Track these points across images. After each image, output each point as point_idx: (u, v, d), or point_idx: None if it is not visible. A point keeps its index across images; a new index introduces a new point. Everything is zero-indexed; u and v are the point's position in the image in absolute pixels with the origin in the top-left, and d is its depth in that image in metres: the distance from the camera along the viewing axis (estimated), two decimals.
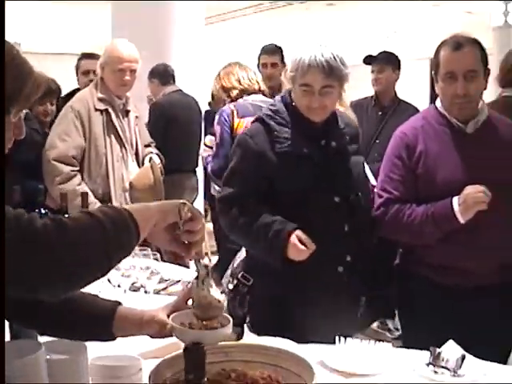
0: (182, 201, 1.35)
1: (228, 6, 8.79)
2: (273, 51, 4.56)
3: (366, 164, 2.60)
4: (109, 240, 1.20)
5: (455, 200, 2.26)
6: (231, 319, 1.40)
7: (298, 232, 2.24)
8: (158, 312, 1.48)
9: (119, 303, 1.51)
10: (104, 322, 1.48)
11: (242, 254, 2.58)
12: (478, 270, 2.31)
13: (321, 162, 2.35)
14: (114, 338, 1.49)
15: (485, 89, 2.41)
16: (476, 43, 2.36)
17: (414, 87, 6.24)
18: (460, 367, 1.82)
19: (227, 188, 2.41)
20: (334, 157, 2.38)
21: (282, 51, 4.56)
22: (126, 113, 3.56)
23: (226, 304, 2.02)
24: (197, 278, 1.38)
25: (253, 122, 2.50)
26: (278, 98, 2.49)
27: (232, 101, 3.69)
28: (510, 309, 2.37)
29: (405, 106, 4.59)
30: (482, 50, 2.37)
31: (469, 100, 2.35)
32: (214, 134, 3.79)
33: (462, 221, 2.25)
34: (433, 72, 2.44)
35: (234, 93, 3.70)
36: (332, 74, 2.27)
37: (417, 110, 4.45)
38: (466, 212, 2.24)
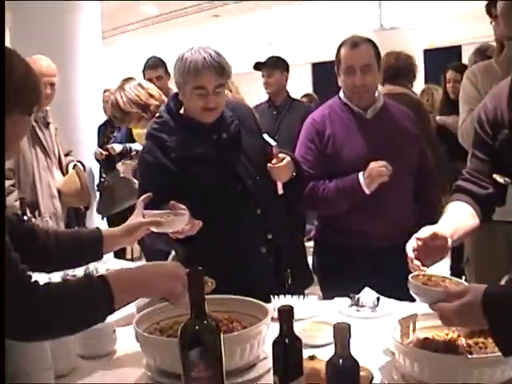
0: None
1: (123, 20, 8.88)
2: (156, 65, 4.66)
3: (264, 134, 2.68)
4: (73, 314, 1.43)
5: (361, 174, 2.68)
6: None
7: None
8: (137, 218, 1.93)
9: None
10: (94, 241, 1.84)
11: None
12: (384, 233, 2.74)
13: (216, 157, 2.41)
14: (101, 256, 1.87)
15: (379, 80, 2.87)
16: (370, 42, 2.81)
17: (297, 90, 6.67)
18: (377, 306, 2.22)
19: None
20: (228, 148, 2.44)
21: (164, 63, 4.66)
22: (47, 124, 3.77)
23: None
24: None
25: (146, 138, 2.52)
26: (162, 108, 2.55)
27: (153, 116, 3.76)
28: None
29: (297, 103, 5.01)
30: (376, 47, 2.82)
31: (366, 89, 2.79)
32: None
33: (367, 191, 2.67)
34: (335, 68, 2.85)
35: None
36: (223, 73, 2.35)
37: (309, 107, 4.96)
38: (371, 184, 2.66)
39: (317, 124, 2.86)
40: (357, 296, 2.26)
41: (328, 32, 11.34)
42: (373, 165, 2.66)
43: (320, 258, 2.98)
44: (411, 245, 1.77)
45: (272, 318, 1.75)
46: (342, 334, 1.31)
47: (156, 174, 2.39)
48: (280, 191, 2.53)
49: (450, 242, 1.76)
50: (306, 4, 9.33)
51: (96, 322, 1.50)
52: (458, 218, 1.89)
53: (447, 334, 1.66)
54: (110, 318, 1.92)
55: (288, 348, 1.41)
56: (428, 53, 10.04)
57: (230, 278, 1.98)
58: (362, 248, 2.75)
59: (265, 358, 1.76)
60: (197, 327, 1.31)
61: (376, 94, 2.88)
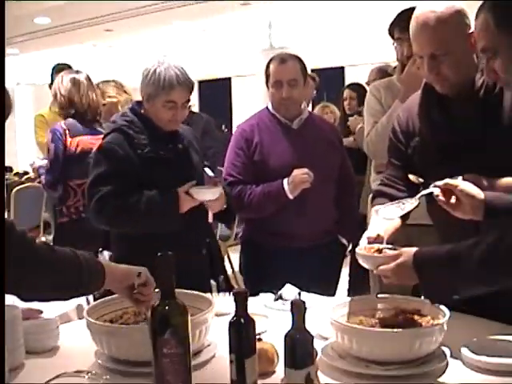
0: (138, 269, 1.78)
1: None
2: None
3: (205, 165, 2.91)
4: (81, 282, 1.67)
5: (285, 180, 2.90)
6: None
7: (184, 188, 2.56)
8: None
9: None
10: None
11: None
12: (305, 234, 2.97)
13: (174, 161, 2.65)
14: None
15: (305, 94, 3.11)
16: (297, 58, 3.05)
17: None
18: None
19: (101, 188, 2.54)
20: (181, 157, 2.71)
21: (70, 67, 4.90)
22: None
23: None
24: None
25: (109, 133, 2.68)
26: (127, 110, 2.73)
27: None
28: (329, 262, 3.06)
29: (197, 115, 5.19)
30: (302, 63, 3.05)
31: (292, 102, 3.02)
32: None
33: (290, 197, 2.90)
34: (265, 81, 3.07)
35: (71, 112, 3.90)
36: (192, 89, 2.63)
37: (208, 116, 5.15)
38: (294, 190, 2.90)
39: (245, 133, 3.07)
40: (279, 291, 2.43)
41: (217, 50, 11.61)
42: (296, 172, 2.88)
43: (245, 257, 3.16)
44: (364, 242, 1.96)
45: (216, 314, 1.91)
46: (299, 309, 1.47)
47: (126, 166, 2.56)
48: (210, 220, 2.78)
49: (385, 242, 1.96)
50: (198, 23, 9.50)
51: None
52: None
53: (374, 316, 1.88)
54: (52, 314, 2.04)
55: (243, 327, 1.55)
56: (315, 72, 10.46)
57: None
58: (285, 247, 2.95)
59: (209, 345, 1.88)
60: (167, 307, 1.43)
61: (302, 107, 3.13)
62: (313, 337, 1.47)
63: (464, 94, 1.97)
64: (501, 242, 1.63)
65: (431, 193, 1.82)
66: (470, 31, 1.92)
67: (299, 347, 1.45)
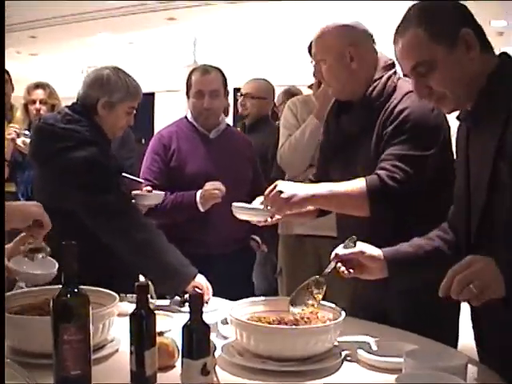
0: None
1: None
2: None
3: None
4: None
5: (198, 193, 2.96)
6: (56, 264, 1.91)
7: None
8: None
9: None
10: None
11: None
12: (214, 242, 3.03)
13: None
14: None
15: (224, 105, 3.23)
16: (219, 70, 3.13)
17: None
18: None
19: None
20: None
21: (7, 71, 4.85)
22: None
23: None
24: None
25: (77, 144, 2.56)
26: (76, 116, 2.59)
27: None
28: (239, 268, 3.14)
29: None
30: (223, 75, 3.14)
31: (213, 112, 3.10)
32: None
33: (201, 209, 2.97)
34: (186, 91, 3.14)
35: None
36: None
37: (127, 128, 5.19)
38: (205, 203, 2.96)
39: (163, 139, 3.12)
40: (186, 295, 2.47)
41: (141, 65, 11.59)
42: (207, 186, 2.96)
43: None
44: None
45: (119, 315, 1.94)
46: (196, 300, 1.52)
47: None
48: None
49: None
50: (124, 35, 9.50)
51: None
52: None
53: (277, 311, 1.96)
54: None
55: (144, 319, 1.59)
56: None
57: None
58: (195, 254, 2.98)
59: (112, 341, 1.91)
60: (69, 295, 1.45)
61: (220, 118, 3.21)
62: (209, 328, 1.52)
63: (355, 100, 2.28)
64: None
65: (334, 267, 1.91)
66: (350, 47, 2.21)
67: (196, 337, 1.50)
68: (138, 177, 3.14)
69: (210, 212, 2.99)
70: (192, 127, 3.17)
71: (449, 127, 2.16)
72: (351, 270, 1.89)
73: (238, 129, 4.30)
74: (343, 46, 2.22)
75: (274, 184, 2.13)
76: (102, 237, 2.43)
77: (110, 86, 2.60)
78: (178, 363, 1.71)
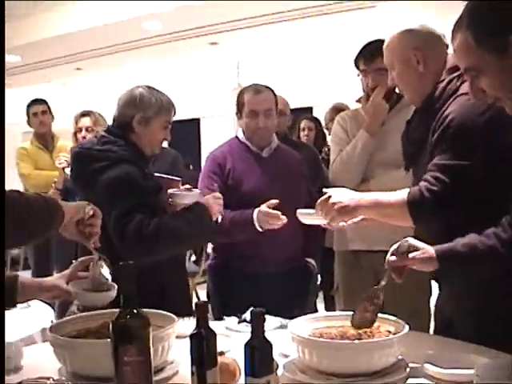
0: (85, 202, 1.91)
1: None
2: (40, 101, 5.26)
3: None
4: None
5: (255, 212, 2.95)
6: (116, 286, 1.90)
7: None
8: (57, 280, 1.91)
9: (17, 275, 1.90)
10: (8, 290, 1.81)
11: None
12: (273, 260, 3.01)
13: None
14: (15, 305, 1.85)
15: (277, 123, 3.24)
16: (270, 89, 3.14)
17: None
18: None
19: (132, 218, 2.51)
20: None
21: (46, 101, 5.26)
22: None
23: None
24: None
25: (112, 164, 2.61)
26: (111, 138, 2.66)
27: None
28: (297, 287, 3.11)
29: (166, 150, 5.25)
30: (275, 95, 3.15)
31: (267, 131, 3.12)
32: None
33: (259, 229, 2.96)
34: (236, 111, 3.16)
35: None
36: None
37: (176, 152, 5.25)
38: (264, 225, 2.94)
39: (218, 158, 3.14)
40: (243, 315, 2.44)
41: (185, 90, 11.70)
42: (263, 209, 2.93)
43: (213, 284, 3.18)
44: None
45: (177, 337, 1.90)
46: (258, 318, 1.49)
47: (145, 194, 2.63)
48: None
49: None
50: (167, 62, 9.60)
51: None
52: None
53: (338, 328, 1.90)
54: (16, 337, 2.04)
55: (204, 339, 1.57)
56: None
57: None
58: (253, 273, 2.98)
59: (172, 363, 1.89)
60: (128, 316, 1.44)
61: (272, 136, 3.20)
62: (271, 345, 1.49)
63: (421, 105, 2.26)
64: None
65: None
66: (415, 50, 2.19)
67: (258, 355, 1.47)
68: None
69: (268, 230, 2.96)
70: (245, 147, 3.17)
71: None
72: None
73: None
74: (408, 50, 2.21)
75: (328, 194, 2.16)
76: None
77: (143, 102, 2.66)
78: (240, 382, 1.69)
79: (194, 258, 6.77)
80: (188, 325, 2.14)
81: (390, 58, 2.28)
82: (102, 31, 7.35)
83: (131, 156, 2.60)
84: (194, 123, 14.13)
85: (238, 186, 3.07)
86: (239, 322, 2.42)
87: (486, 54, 1.61)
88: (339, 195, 2.16)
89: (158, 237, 2.49)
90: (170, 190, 2.77)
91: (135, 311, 1.45)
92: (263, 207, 2.93)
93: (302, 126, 5.53)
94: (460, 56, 1.70)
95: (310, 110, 12.01)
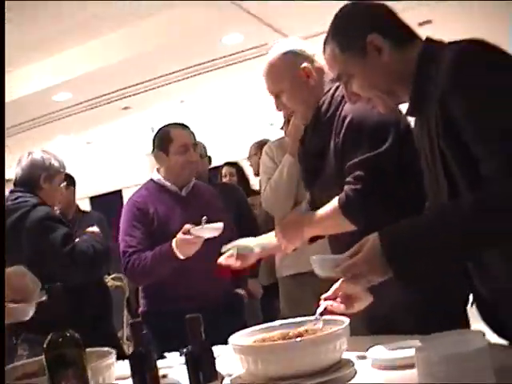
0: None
1: None
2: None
3: None
4: None
5: (174, 241, 2.88)
6: None
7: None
8: None
9: None
10: None
11: None
12: (203, 295, 2.94)
13: None
14: None
15: None
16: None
17: None
18: None
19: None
20: None
21: None
22: None
23: None
24: None
25: None
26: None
27: None
28: (233, 315, 3.11)
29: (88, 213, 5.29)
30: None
31: (195, 166, 3.20)
32: None
33: (181, 256, 2.89)
34: (160, 149, 3.14)
35: None
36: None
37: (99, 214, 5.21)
38: (182, 250, 2.88)
39: (139, 204, 3.10)
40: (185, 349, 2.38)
41: (103, 163, 11.62)
42: (183, 239, 2.88)
43: (148, 329, 3.06)
44: None
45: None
46: (194, 323, 1.46)
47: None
48: None
49: None
50: (82, 136, 9.52)
51: None
52: None
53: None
54: None
55: (144, 357, 1.54)
56: None
57: None
58: (185, 309, 2.90)
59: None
60: (60, 339, 1.38)
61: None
62: (212, 351, 1.46)
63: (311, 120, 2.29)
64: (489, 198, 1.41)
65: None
66: (302, 66, 2.25)
67: (200, 361, 1.44)
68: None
69: (196, 265, 2.92)
70: (162, 188, 3.15)
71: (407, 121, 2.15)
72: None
73: None
74: (296, 68, 2.26)
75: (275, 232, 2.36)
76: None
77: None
78: None
79: None
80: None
81: (277, 83, 2.28)
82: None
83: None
84: (117, 195, 13.97)
85: (163, 229, 3.02)
86: (181, 355, 2.36)
87: (350, 58, 1.72)
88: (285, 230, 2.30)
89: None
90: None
91: (67, 334, 1.40)
92: (179, 235, 2.89)
93: (223, 172, 5.56)
94: (330, 65, 1.82)
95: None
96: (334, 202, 2.13)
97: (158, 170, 3.23)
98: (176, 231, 2.96)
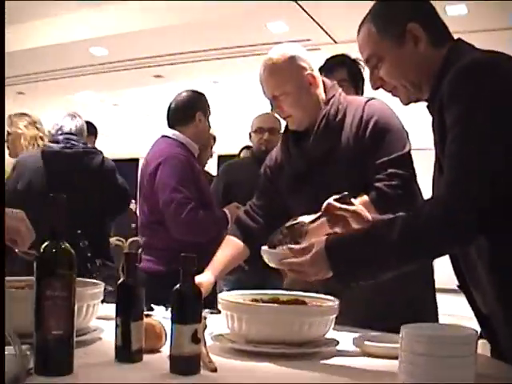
0: None
1: None
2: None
3: None
4: None
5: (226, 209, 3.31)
6: None
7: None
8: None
9: None
10: None
11: None
12: None
13: None
14: None
15: None
16: None
17: None
18: None
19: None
20: None
21: None
22: None
23: None
24: None
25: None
26: None
27: None
28: None
29: None
30: None
31: None
32: None
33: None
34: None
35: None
36: None
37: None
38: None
39: (189, 162, 3.24)
40: None
41: (129, 131, 11.59)
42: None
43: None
44: None
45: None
46: (188, 263, 1.45)
47: None
48: None
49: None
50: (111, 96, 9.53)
51: None
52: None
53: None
54: None
55: (132, 289, 1.52)
56: None
57: None
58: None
59: (95, 330, 1.82)
60: (54, 249, 1.38)
61: None
62: (201, 292, 1.45)
63: (311, 127, 2.26)
64: (417, 218, 1.53)
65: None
66: (307, 72, 2.25)
67: (187, 301, 1.43)
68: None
69: None
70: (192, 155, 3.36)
71: None
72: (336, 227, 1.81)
73: None
74: (302, 72, 2.26)
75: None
76: None
77: None
78: (164, 348, 1.63)
79: None
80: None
81: (281, 85, 2.25)
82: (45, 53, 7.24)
83: None
84: (133, 164, 13.97)
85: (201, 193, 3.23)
86: (166, 309, 2.36)
87: (386, 40, 1.70)
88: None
89: None
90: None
91: (62, 246, 1.39)
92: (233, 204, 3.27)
93: (241, 156, 5.51)
94: (362, 45, 1.78)
95: None
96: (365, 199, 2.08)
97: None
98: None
